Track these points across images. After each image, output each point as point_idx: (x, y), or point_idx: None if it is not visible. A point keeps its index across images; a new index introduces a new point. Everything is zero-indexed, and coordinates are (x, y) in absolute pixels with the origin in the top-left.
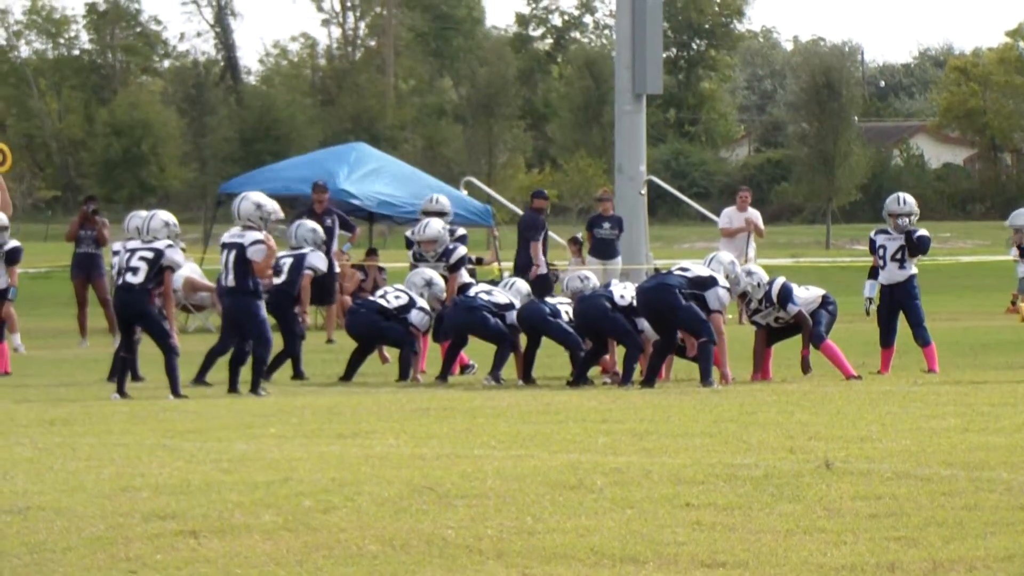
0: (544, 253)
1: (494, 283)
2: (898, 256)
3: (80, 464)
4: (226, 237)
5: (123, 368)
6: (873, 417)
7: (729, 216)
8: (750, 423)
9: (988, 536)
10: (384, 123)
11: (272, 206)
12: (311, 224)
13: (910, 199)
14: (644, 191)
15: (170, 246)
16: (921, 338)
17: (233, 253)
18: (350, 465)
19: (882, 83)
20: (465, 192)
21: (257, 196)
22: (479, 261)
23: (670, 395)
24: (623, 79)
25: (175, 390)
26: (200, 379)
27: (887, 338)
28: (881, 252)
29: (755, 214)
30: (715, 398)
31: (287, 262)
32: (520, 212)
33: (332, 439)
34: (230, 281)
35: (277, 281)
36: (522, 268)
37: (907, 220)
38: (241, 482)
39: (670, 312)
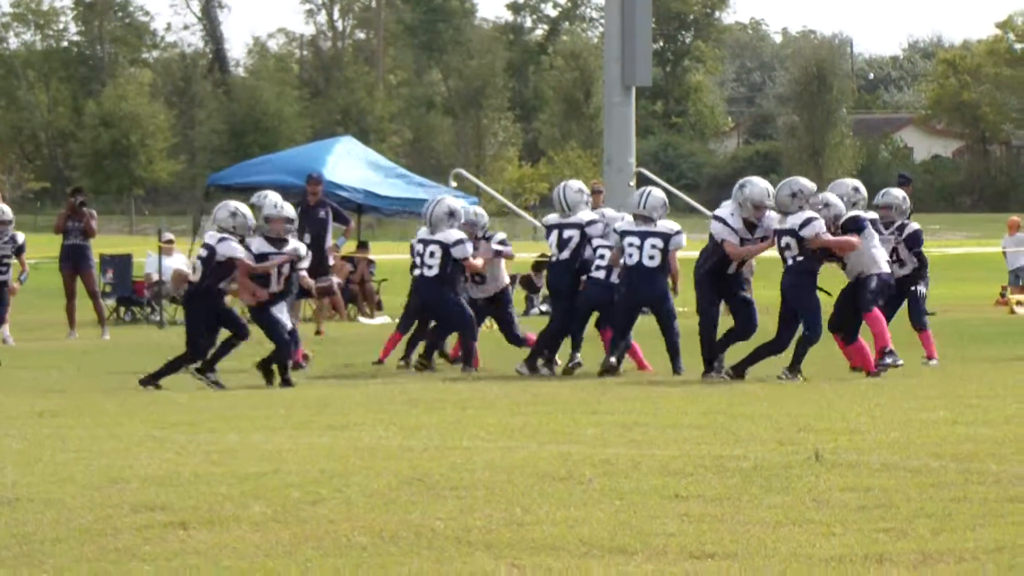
0: None
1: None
2: (893, 258)
3: (69, 456)
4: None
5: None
6: (862, 409)
7: None
8: (739, 415)
9: (977, 528)
10: (373, 115)
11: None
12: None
13: (892, 192)
14: (633, 183)
15: (223, 240)
16: (919, 323)
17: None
18: (339, 457)
19: (871, 75)
20: (454, 184)
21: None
22: None
23: (659, 386)
24: (612, 71)
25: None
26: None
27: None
28: None
29: None
30: (705, 389)
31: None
32: (509, 204)
33: (321, 431)
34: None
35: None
36: None
37: (891, 212)
38: (230, 474)
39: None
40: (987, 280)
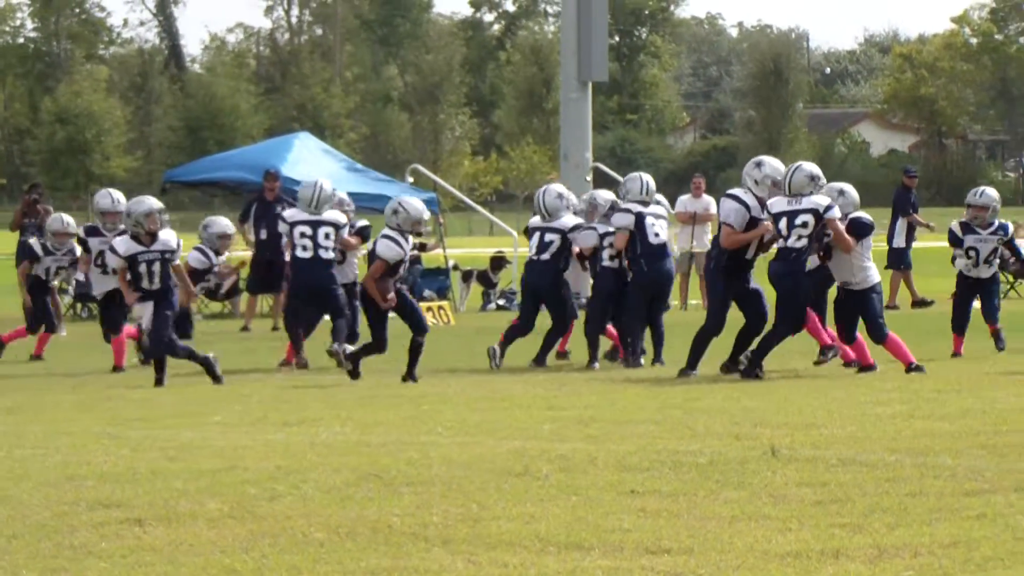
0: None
1: (440, 270)
2: (990, 258)
3: (26, 452)
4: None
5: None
6: (819, 404)
7: (684, 204)
8: (695, 409)
9: (933, 522)
10: (329, 111)
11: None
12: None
13: (988, 192)
14: (590, 178)
15: (380, 237)
16: (992, 317)
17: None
18: (295, 453)
19: (827, 70)
20: (411, 180)
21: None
22: (423, 247)
23: (615, 382)
24: (569, 66)
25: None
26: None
27: (961, 325)
28: (973, 254)
29: (709, 201)
30: (662, 385)
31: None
32: (466, 200)
33: (278, 427)
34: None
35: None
36: (890, 238)
37: (987, 213)
38: (186, 470)
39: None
40: (942, 274)
